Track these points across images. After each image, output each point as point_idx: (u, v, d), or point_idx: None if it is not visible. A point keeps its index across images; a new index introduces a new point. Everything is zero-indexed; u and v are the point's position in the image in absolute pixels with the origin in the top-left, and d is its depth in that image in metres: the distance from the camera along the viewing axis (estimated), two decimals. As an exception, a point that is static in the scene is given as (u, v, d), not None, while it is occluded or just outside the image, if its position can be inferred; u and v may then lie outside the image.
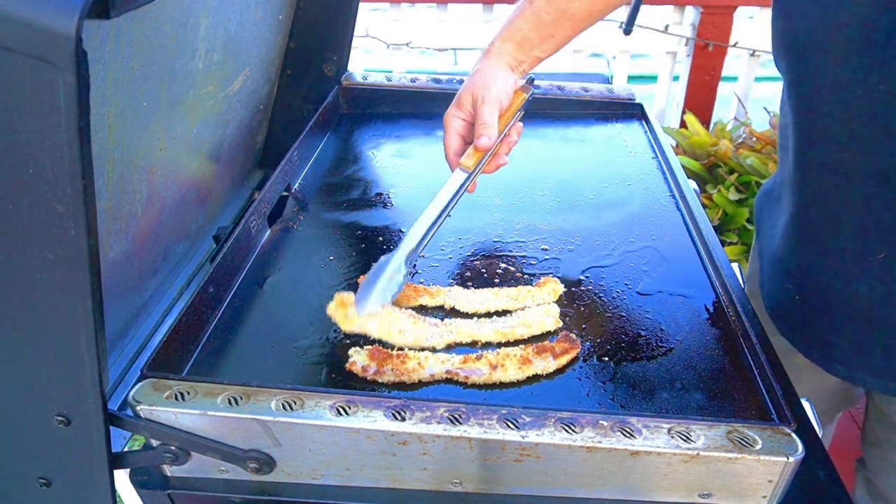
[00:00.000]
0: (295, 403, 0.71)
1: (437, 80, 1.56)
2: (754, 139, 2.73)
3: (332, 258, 1.08)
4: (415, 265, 1.02)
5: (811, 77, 0.87)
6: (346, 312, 0.89)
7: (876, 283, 0.89)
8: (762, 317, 1.23)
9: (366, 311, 0.88)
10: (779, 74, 0.97)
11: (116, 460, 0.72)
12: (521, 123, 1.07)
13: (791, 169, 0.98)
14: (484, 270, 1.05)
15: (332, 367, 0.86)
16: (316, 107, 1.40)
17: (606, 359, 0.88)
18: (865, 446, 1.13)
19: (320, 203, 1.24)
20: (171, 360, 0.83)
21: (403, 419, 0.70)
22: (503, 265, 1.06)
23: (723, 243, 1.53)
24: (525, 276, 1.04)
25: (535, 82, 1.54)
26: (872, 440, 1.11)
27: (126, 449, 0.76)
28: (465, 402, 0.73)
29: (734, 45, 2.93)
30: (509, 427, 0.69)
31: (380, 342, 0.89)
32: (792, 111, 0.94)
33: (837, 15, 0.79)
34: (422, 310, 0.96)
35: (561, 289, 0.99)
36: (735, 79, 3.10)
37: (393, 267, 0.92)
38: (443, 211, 0.97)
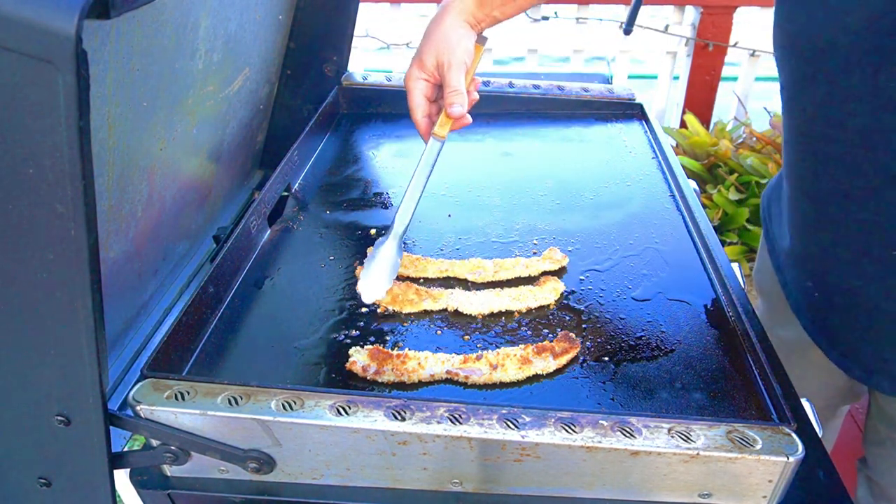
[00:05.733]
0: (295, 403, 0.71)
1: (437, 80, 1.56)
2: (754, 139, 2.73)
3: (332, 258, 1.08)
4: (405, 243, 1.06)
5: (819, 77, 0.86)
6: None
7: (892, 281, 0.87)
8: (767, 312, 1.21)
9: (371, 298, 0.95)
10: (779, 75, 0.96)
11: (116, 460, 0.72)
12: (478, 78, 1.07)
13: (791, 166, 0.97)
14: (484, 270, 1.05)
15: (332, 367, 0.86)
16: (316, 107, 1.40)
17: (606, 359, 0.88)
18: (867, 445, 1.12)
19: (320, 203, 1.24)
20: (171, 360, 0.83)
21: (403, 419, 0.70)
22: (503, 265, 1.06)
23: (723, 243, 1.53)
24: (525, 276, 1.03)
25: (536, 83, 1.55)
26: (875, 439, 1.09)
27: (126, 449, 0.76)
28: (465, 402, 0.73)
29: (734, 45, 2.93)
30: (509, 427, 0.69)
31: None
32: (796, 110, 0.94)
33: (846, 14, 0.79)
34: (425, 315, 0.96)
35: (561, 288, 0.99)
36: (735, 79, 3.10)
37: (389, 252, 0.99)
38: (425, 184, 1.00)
